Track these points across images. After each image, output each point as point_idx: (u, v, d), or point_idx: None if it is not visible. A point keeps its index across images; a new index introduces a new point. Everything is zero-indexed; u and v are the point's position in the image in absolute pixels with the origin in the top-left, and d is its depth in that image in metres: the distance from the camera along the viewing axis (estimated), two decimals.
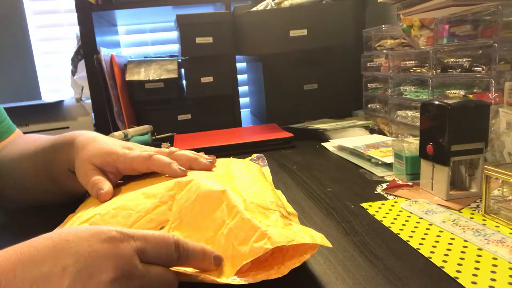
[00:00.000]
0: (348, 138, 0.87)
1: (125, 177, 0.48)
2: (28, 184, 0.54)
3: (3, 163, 0.57)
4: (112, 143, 0.47)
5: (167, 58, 1.18)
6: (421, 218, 0.47)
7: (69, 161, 0.49)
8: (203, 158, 0.46)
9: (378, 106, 1.00)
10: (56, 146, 0.51)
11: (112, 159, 0.45)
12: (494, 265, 0.35)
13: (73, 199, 0.55)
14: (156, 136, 1.08)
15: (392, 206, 0.51)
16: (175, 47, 1.56)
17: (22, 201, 0.57)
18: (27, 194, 0.56)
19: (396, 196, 0.54)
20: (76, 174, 0.46)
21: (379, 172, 0.64)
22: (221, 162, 0.50)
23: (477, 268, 0.35)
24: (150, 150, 0.47)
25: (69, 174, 0.49)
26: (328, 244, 0.33)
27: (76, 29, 1.26)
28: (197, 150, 0.83)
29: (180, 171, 0.42)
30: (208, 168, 0.45)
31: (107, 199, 0.41)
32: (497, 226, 0.43)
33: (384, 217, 0.48)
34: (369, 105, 1.04)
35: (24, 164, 0.54)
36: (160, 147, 0.59)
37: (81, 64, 1.32)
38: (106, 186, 0.43)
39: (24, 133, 0.65)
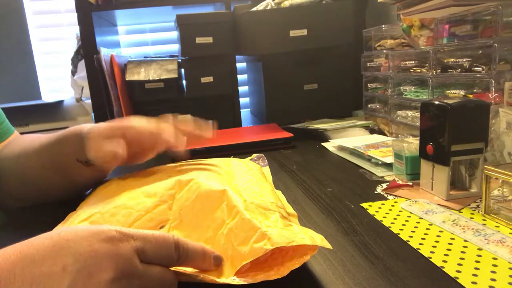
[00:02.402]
0: (348, 138, 0.87)
1: (125, 177, 0.48)
2: (36, 179, 0.55)
3: (7, 160, 0.57)
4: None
5: (167, 58, 1.18)
6: (421, 218, 0.47)
7: (76, 152, 0.50)
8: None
9: (378, 106, 1.00)
10: (62, 139, 0.52)
11: (120, 132, 0.47)
12: (494, 265, 0.35)
13: (81, 192, 0.55)
14: None
15: (392, 206, 0.51)
16: (175, 47, 1.56)
17: (30, 197, 0.57)
18: (33, 190, 0.56)
19: (396, 196, 0.54)
20: (88, 154, 0.48)
21: (379, 172, 0.64)
22: (221, 161, 0.50)
23: (477, 268, 0.35)
24: (153, 121, 0.50)
25: (76, 165, 0.50)
26: (328, 245, 0.33)
27: (76, 29, 1.26)
28: (198, 150, 0.83)
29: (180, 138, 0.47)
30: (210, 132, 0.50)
31: (124, 156, 0.44)
32: (497, 226, 0.43)
33: (384, 217, 0.48)
34: (369, 105, 1.04)
35: (30, 160, 0.54)
36: None
37: (81, 64, 1.32)
38: (120, 149, 0.46)
39: (24, 133, 0.66)
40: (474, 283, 0.33)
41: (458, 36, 0.69)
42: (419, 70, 0.81)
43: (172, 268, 0.30)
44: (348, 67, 1.15)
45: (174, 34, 1.37)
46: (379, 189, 0.57)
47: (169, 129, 0.47)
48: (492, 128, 0.58)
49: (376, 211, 0.49)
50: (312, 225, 0.47)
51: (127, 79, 1.12)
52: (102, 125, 0.48)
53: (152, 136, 0.47)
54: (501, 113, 0.57)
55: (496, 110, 0.58)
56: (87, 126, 0.50)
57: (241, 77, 1.46)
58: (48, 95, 1.63)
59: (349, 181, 0.62)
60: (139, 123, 0.48)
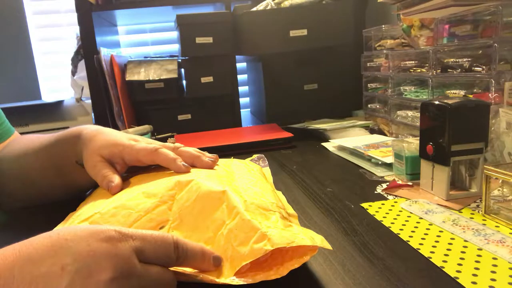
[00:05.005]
0: (348, 138, 0.87)
1: (125, 176, 0.48)
2: (35, 180, 0.55)
3: (7, 160, 0.57)
4: (118, 135, 0.48)
5: (167, 58, 1.18)
6: (421, 218, 0.47)
7: (76, 154, 0.50)
8: (206, 156, 0.47)
9: (378, 106, 1.00)
10: (62, 140, 0.52)
11: (118, 150, 0.46)
12: (494, 265, 0.35)
13: (80, 193, 0.55)
14: (156, 136, 1.08)
15: (392, 206, 0.51)
16: (175, 47, 1.56)
17: (30, 197, 0.57)
18: (34, 190, 0.56)
19: (396, 196, 0.54)
20: (84, 166, 0.47)
21: (379, 172, 0.64)
22: (221, 162, 0.50)
23: (477, 268, 0.35)
24: (155, 143, 0.48)
25: (76, 166, 0.50)
26: (328, 246, 0.33)
27: (76, 29, 1.26)
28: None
29: (184, 167, 0.44)
30: (210, 166, 0.46)
31: (117, 192, 0.42)
32: (497, 226, 0.43)
33: (384, 217, 0.47)
34: (369, 105, 1.04)
35: (29, 160, 0.55)
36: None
37: (81, 64, 1.32)
38: (116, 179, 0.44)
39: (24, 133, 0.66)
40: (474, 283, 0.33)
41: (458, 36, 0.69)
42: (419, 70, 0.81)
43: (171, 268, 0.30)
44: (348, 67, 1.15)
45: (174, 34, 1.37)
46: (379, 189, 0.57)
47: (168, 154, 0.45)
48: (492, 128, 0.58)
49: (376, 211, 0.49)
50: (312, 225, 0.47)
51: (127, 79, 1.12)
52: (101, 140, 0.47)
53: (150, 158, 0.46)
54: (501, 113, 0.57)
55: (496, 110, 0.58)
56: (87, 129, 0.50)
57: (241, 77, 1.46)
58: (48, 95, 1.62)
59: (349, 181, 0.62)
60: (137, 145, 0.46)
